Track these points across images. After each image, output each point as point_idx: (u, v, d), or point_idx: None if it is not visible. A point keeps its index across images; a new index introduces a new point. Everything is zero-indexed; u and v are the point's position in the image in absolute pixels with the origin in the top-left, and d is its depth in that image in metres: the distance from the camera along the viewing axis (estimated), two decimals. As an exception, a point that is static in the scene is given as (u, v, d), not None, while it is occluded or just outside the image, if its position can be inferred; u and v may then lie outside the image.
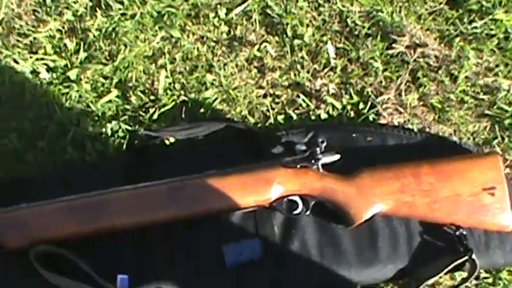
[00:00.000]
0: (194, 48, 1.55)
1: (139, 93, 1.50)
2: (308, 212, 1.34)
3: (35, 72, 1.51)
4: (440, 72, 1.53)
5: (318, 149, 1.33)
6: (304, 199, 1.33)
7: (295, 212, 1.34)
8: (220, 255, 1.34)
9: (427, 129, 1.49)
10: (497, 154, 1.38)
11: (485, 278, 1.43)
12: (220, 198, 1.30)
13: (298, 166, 1.32)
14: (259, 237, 1.35)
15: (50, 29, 1.55)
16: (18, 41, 1.55)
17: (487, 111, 1.52)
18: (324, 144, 1.33)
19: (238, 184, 1.30)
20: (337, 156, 1.34)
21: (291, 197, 1.33)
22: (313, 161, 1.32)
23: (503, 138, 1.50)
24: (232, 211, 1.33)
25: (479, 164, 1.34)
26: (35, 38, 1.54)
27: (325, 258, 1.35)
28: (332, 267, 1.35)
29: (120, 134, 1.47)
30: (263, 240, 1.35)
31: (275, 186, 1.31)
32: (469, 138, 1.50)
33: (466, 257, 1.31)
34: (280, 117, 1.50)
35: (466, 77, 1.53)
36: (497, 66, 1.55)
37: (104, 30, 1.55)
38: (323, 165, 1.33)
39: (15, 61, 1.52)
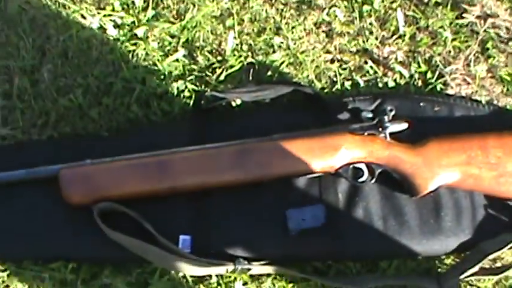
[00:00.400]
0: (262, 9, 1.53)
1: (207, 54, 1.49)
2: (373, 181, 1.33)
3: (102, 28, 1.51)
4: (510, 44, 1.51)
5: (385, 117, 1.31)
6: (369, 167, 1.33)
7: (361, 179, 1.34)
8: (284, 220, 1.33)
9: (495, 102, 1.47)
10: None
11: None
12: (287, 162, 1.30)
13: (366, 133, 1.32)
14: (323, 204, 1.34)
15: (118, -14, 1.54)
16: (86, -4, 1.54)
17: None
18: (392, 112, 1.32)
19: (305, 149, 1.30)
20: (404, 125, 1.33)
21: (356, 165, 1.32)
22: (380, 129, 1.31)
23: None
24: (298, 176, 1.33)
25: None
26: (103, -7, 1.53)
27: (388, 227, 1.34)
28: (394, 237, 1.34)
29: (186, 93, 1.47)
30: (326, 207, 1.34)
31: (342, 152, 1.30)
32: (537, 112, 1.48)
33: (530, 234, 1.30)
34: (347, 83, 1.49)
35: (538, 50, 1.50)
36: None
37: (172, -12, 1.54)
38: (390, 134, 1.32)
39: (83, 16, 1.52)
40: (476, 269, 1.31)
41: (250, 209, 1.35)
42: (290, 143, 1.30)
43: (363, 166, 1.33)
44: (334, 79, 1.49)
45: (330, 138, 1.31)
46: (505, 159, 1.30)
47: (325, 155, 1.30)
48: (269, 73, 1.49)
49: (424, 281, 1.35)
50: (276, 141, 1.30)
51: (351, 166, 1.32)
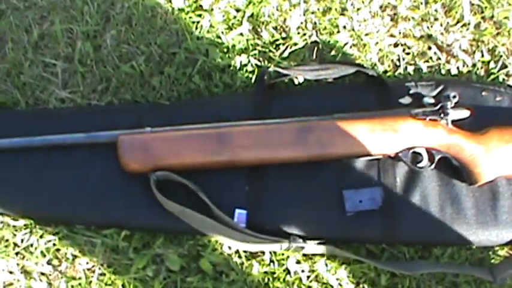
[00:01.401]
0: (329, -11, 1.53)
1: (271, 29, 1.49)
2: (433, 166, 1.32)
3: (167, -3, 1.51)
4: None
5: (448, 103, 1.31)
6: (429, 153, 1.32)
7: (420, 164, 1.33)
8: (341, 200, 1.33)
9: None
10: None
11: None
12: (348, 143, 1.29)
13: (428, 119, 1.31)
14: (381, 187, 1.34)
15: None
16: (153, -36, 1.54)
17: None
18: (456, 99, 1.31)
19: (366, 130, 1.29)
20: (467, 113, 1.32)
21: (416, 149, 1.31)
22: (442, 115, 1.31)
23: None
24: (358, 157, 1.32)
25: None
26: (172, -37, 1.53)
27: (444, 215, 1.34)
28: (449, 225, 1.33)
29: (249, 68, 1.47)
30: (384, 190, 1.34)
31: (402, 136, 1.30)
32: None
33: None
34: (410, 68, 1.49)
35: None
36: None
37: (240, -38, 1.54)
38: (452, 121, 1.31)
39: (149, -16, 1.52)
40: (530, 261, 1.30)
41: (307, 187, 1.35)
42: (351, 124, 1.30)
43: (423, 151, 1.32)
44: (397, 63, 1.49)
45: (392, 121, 1.30)
46: None
47: (386, 137, 1.30)
48: (332, 53, 1.48)
49: (477, 271, 1.34)
50: (337, 120, 1.30)
51: (411, 151, 1.31)
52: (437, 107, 1.32)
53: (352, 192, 1.33)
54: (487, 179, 1.31)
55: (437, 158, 1.32)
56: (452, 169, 1.34)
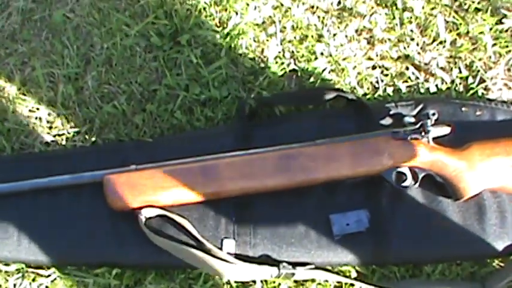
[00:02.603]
0: (304, 17, 1.54)
1: (249, 61, 1.51)
2: (417, 185, 1.33)
3: (145, 36, 1.52)
4: (551, 48, 1.51)
5: (428, 121, 1.32)
6: (413, 171, 1.33)
7: (404, 184, 1.33)
8: (328, 224, 1.34)
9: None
10: None
11: None
12: (331, 167, 1.30)
13: (409, 138, 1.32)
14: (367, 209, 1.35)
15: (161, -6, 1.56)
16: (129, 4, 1.56)
17: None
18: (435, 116, 1.32)
19: (348, 154, 1.30)
20: (447, 129, 1.34)
21: (400, 169, 1.32)
22: (423, 133, 1.32)
23: None
24: (342, 180, 1.32)
25: None
26: (147, 2, 1.55)
27: (431, 232, 1.34)
28: (437, 241, 1.34)
29: (229, 100, 1.48)
30: (370, 211, 1.35)
31: (385, 157, 1.31)
32: None
33: None
34: (389, 89, 1.50)
35: None
36: None
37: (215, -3, 1.56)
38: (433, 138, 1.33)
39: (126, 24, 1.53)
40: (522, 272, 1.31)
41: (294, 213, 1.36)
42: (333, 148, 1.31)
43: (406, 170, 1.33)
44: (376, 85, 1.50)
45: (373, 143, 1.32)
46: None
47: (369, 159, 1.31)
48: (311, 79, 1.50)
49: (469, 285, 1.35)
50: (319, 145, 1.31)
51: (395, 171, 1.32)
52: (418, 125, 1.33)
53: (339, 216, 1.34)
54: (472, 194, 1.32)
55: (421, 176, 1.32)
56: (437, 186, 1.34)
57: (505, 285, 1.32)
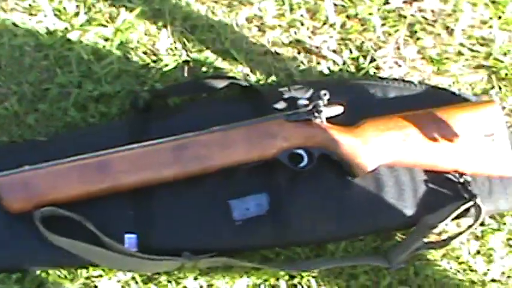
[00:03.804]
0: (194, 8, 1.54)
1: (141, 54, 1.50)
2: (313, 165, 1.34)
3: (34, 35, 1.50)
4: (436, 25, 1.55)
5: (320, 102, 1.33)
6: (308, 152, 1.34)
7: (301, 165, 1.34)
8: (228, 210, 1.34)
9: (427, 81, 1.51)
10: (496, 102, 1.40)
11: (490, 224, 1.46)
12: (225, 154, 1.31)
13: (302, 119, 1.33)
14: (266, 192, 1.35)
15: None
16: (16, 4, 1.53)
17: (483, 62, 1.54)
18: (327, 96, 1.33)
19: (242, 139, 1.31)
20: (340, 109, 1.35)
21: (295, 151, 1.33)
22: (316, 114, 1.33)
23: (500, 88, 1.54)
24: (238, 166, 1.33)
25: (479, 111, 1.37)
26: (34, 1, 1.53)
27: (331, 210, 1.36)
28: (338, 219, 1.36)
29: (123, 94, 1.47)
30: (269, 194, 1.35)
31: (279, 140, 1.32)
32: (467, 89, 1.53)
33: (471, 203, 1.33)
34: (282, 74, 1.51)
35: (462, 30, 1.55)
36: (491, 18, 1.56)
37: (103, -8, 1.55)
38: (327, 118, 1.34)
39: (14, 24, 1.51)
40: (422, 243, 1.34)
41: (193, 202, 1.36)
42: (226, 134, 1.31)
43: (302, 152, 1.34)
44: (269, 71, 1.51)
45: (267, 127, 1.32)
46: (440, 134, 1.33)
47: (263, 143, 1.31)
48: (204, 69, 1.50)
49: (373, 259, 1.38)
50: (213, 133, 1.31)
51: (291, 152, 1.33)
52: (310, 107, 1.34)
53: (238, 201, 1.34)
54: (369, 169, 1.34)
55: (316, 156, 1.33)
56: (335, 165, 1.35)
57: (407, 257, 1.35)
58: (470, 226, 1.34)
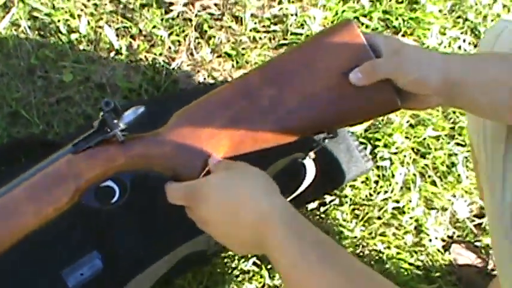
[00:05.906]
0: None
1: None
2: (127, 194, 1.07)
3: None
4: (225, 18, 1.49)
5: (107, 115, 0.99)
6: (118, 180, 1.08)
7: (113, 200, 1.08)
8: (63, 283, 1.21)
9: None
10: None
11: (332, 201, 1.38)
12: (12, 221, 1.00)
13: (93, 144, 1.03)
14: (95, 249, 1.24)
15: None
16: None
17: (282, 41, 1.48)
18: (111, 105, 0.98)
19: (26, 200, 1.01)
20: (139, 109, 1.02)
21: (102, 184, 1.10)
22: (108, 130, 1.01)
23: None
24: (37, 229, 1.02)
25: (329, 45, 0.94)
26: None
27: (151, 233, 1.27)
28: (163, 239, 1.25)
29: None
30: (98, 250, 1.23)
31: (71, 181, 1.03)
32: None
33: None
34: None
35: (252, 15, 1.48)
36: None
37: None
38: (124, 130, 1.01)
39: None
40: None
41: (27, 281, 1.22)
42: (6, 197, 1.00)
43: (110, 183, 1.11)
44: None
45: (52, 170, 1.02)
46: (282, 93, 0.97)
47: (52, 193, 1.02)
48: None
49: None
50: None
51: (96, 189, 1.09)
52: (96, 124, 1.02)
53: (70, 269, 1.21)
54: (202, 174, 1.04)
55: (128, 182, 1.10)
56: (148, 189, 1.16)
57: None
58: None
